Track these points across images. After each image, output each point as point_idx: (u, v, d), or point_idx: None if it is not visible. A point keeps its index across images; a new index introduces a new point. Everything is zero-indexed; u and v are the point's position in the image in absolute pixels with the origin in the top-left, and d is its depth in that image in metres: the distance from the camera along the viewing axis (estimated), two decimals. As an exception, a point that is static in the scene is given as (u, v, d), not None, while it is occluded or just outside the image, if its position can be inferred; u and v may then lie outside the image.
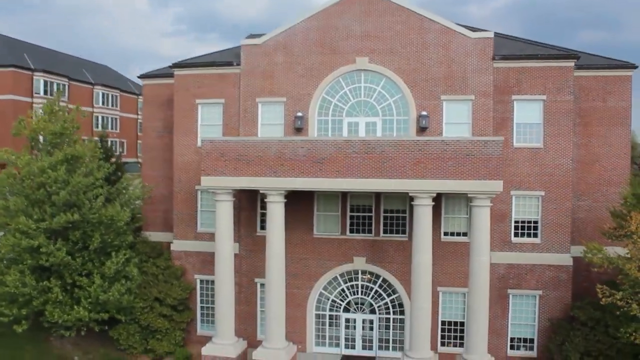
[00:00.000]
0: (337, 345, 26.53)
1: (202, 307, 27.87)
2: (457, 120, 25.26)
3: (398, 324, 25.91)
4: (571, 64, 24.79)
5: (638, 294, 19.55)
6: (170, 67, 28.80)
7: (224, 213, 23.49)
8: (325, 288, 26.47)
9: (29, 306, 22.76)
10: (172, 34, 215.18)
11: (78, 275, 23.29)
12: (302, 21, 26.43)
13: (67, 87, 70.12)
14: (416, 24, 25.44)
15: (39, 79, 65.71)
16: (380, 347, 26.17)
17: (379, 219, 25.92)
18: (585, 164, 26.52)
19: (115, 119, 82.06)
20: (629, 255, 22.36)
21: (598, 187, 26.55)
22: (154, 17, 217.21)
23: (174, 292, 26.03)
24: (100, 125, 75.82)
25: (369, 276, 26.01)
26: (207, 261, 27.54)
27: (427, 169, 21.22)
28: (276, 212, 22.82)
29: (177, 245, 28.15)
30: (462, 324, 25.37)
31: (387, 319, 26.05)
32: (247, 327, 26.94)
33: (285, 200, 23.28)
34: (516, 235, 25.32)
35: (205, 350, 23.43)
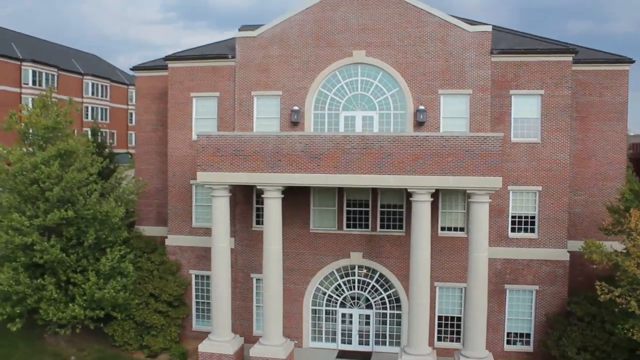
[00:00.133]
0: (334, 340, 26.46)
1: (197, 303, 27.68)
2: (454, 114, 25.09)
3: (395, 319, 25.86)
4: (569, 58, 24.67)
5: (636, 291, 19.57)
6: (163, 59, 28.38)
7: (221, 209, 23.22)
8: (321, 283, 26.35)
9: (23, 304, 22.39)
10: (161, 22, 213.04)
11: (72, 272, 22.94)
12: (298, 13, 26.06)
13: (56, 77, 69.25)
14: (414, 16, 25.16)
15: (28, 69, 64.77)
16: (376, 342, 26.14)
17: (375, 214, 25.78)
18: (582, 159, 26.51)
19: (105, 109, 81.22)
20: (625, 251, 22.47)
21: (594, 181, 26.57)
22: (140, 3, 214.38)
23: (169, 288, 25.80)
24: (90, 116, 74.99)
25: (365, 271, 25.91)
26: (203, 256, 27.33)
27: (426, 165, 21.06)
28: (273, 208, 22.59)
29: (172, 240, 27.89)
30: (458, 318, 25.39)
31: (384, 314, 26.01)
32: (243, 323, 26.81)
33: (282, 195, 23.05)
34: (513, 230, 25.31)
35: (202, 347, 23.23)
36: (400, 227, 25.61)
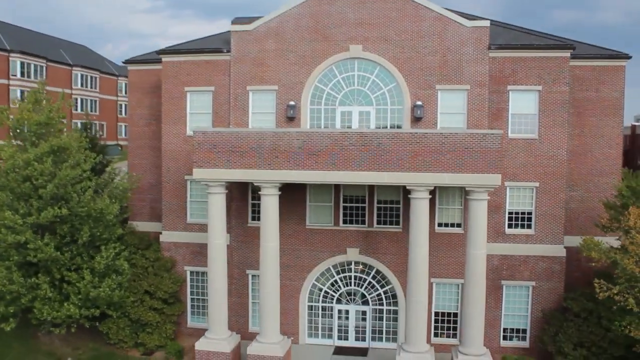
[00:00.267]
0: (330, 336, 26.39)
1: (192, 299, 27.49)
2: (452, 110, 24.96)
3: (392, 315, 25.83)
4: (567, 54, 24.57)
5: (634, 288, 19.62)
6: (157, 53, 27.96)
7: (217, 206, 22.98)
8: (317, 279, 26.24)
9: (17, 304, 22.03)
10: (149, 11, 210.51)
11: (67, 270, 22.60)
12: (294, 7, 25.73)
13: (44, 68, 68.22)
14: (411, 11, 24.92)
15: (16, 60, 63.65)
16: (373, 338, 26.11)
17: (372, 209, 25.65)
18: (578, 155, 26.50)
19: (95, 101, 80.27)
20: (621, 247, 22.52)
21: (590, 177, 26.59)
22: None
23: (164, 285, 25.56)
24: (79, 108, 74.08)
25: (361, 267, 25.82)
26: (198, 252, 27.11)
27: (424, 162, 20.92)
28: (270, 205, 22.37)
29: (167, 237, 27.61)
30: (455, 314, 25.42)
31: (381, 310, 25.95)
32: (239, 319, 26.66)
33: (280, 192, 22.84)
34: (510, 226, 25.29)
35: (199, 345, 23.04)
36: (397, 223, 25.50)
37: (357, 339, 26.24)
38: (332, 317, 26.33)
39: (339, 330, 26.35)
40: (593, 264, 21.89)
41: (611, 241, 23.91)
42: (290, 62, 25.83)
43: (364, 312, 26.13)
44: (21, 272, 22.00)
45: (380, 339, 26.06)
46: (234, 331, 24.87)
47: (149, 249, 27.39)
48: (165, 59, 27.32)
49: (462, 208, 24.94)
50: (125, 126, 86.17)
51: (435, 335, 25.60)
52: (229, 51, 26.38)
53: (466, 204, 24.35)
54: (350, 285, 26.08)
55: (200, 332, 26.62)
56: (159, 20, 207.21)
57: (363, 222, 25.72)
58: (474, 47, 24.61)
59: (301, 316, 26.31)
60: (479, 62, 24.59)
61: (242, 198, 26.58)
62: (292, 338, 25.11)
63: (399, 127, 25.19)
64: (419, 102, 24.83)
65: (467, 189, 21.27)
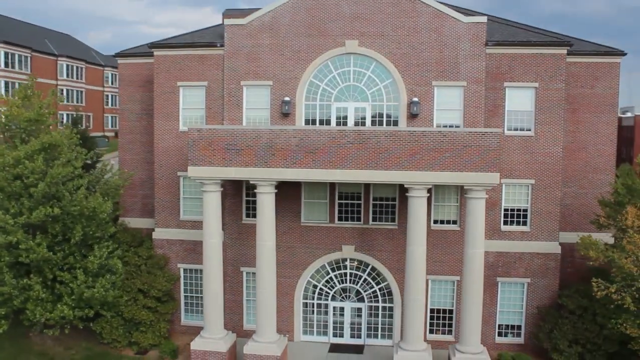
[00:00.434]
0: (325, 333, 26.30)
1: (186, 297, 27.23)
2: (448, 106, 24.79)
3: (387, 312, 25.77)
4: (564, 51, 24.50)
5: (632, 287, 19.71)
6: (149, 46, 27.42)
7: (212, 204, 22.67)
8: (312, 276, 26.08)
9: (8, 305, 21.55)
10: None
11: (59, 270, 22.15)
12: (289, 0, 25.32)
13: (29, 59, 66.95)
14: (408, 6, 24.64)
15: (0, 51, 62.43)
16: (368, 335, 26.05)
17: (368, 206, 25.49)
18: (572, 151, 26.52)
19: (81, 91, 79.12)
20: (615, 243, 22.67)
21: (585, 173, 26.65)
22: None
23: (158, 283, 25.25)
24: (66, 100, 72.93)
25: (356, 263, 25.70)
26: (191, 250, 26.82)
27: (423, 160, 20.78)
28: (267, 203, 22.12)
29: (160, 234, 27.27)
30: (450, 311, 25.43)
31: (376, 307, 25.88)
32: (233, 317, 26.45)
33: (276, 190, 22.58)
34: (505, 223, 25.30)
35: (195, 344, 22.81)
36: (393, 220, 25.39)
37: (352, 336, 26.17)
38: (327, 314, 26.21)
39: (334, 328, 26.25)
40: (591, 263, 21.94)
41: (605, 238, 24.07)
42: (285, 57, 25.47)
43: (359, 309, 26.05)
44: (12, 273, 21.50)
45: (376, 336, 26.00)
46: (228, 329, 24.69)
47: (142, 246, 27.04)
48: (157, 52, 26.82)
49: (458, 205, 24.89)
50: (112, 117, 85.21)
51: (431, 332, 25.59)
52: (222, 45, 25.95)
53: (462, 200, 24.38)
54: (346, 282, 25.96)
55: (193, 330, 26.45)
56: (142, 7, 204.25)
57: (359, 219, 25.57)
58: (471, 43, 24.42)
59: (296, 313, 26.16)
60: (476, 59, 24.42)
61: (236, 194, 26.28)
62: (287, 336, 24.98)
63: (395, 123, 25.00)
64: (415, 99, 24.63)
65: (465, 187, 21.18)
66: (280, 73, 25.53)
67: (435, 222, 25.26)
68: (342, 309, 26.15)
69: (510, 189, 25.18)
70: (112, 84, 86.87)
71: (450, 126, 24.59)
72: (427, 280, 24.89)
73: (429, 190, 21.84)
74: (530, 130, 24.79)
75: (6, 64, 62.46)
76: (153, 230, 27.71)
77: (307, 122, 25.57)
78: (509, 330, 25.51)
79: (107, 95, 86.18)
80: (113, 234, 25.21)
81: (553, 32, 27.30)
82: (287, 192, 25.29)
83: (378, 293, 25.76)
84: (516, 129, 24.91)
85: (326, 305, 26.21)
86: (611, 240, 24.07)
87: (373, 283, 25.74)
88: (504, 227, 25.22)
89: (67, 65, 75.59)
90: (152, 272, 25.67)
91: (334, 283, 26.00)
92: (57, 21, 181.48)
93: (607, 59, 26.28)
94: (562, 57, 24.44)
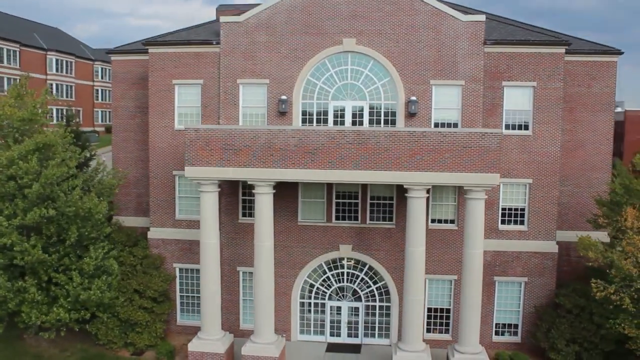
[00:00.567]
0: (322, 333, 26.21)
1: (182, 297, 27.01)
2: (446, 106, 24.69)
3: (384, 312, 25.71)
4: (562, 50, 24.45)
5: (630, 288, 19.77)
6: (143, 44, 27.05)
7: (209, 204, 22.43)
8: (309, 276, 25.95)
9: (3, 308, 21.20)
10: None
11: (54, 272, 21.83)
12: (285, -2, 25.06)
13: (18, 53, 65.99)
14: (406, 4, 24.44)
15: (-13, 45, 61.56)
16: (366, 335, 26.00)
17: (365, 206, 25.36)
18: (570, 150, 26.54)
19: (71, 86, 78.19)
20: (610, 243, 22.75)
21: (581, 172, 26.68)
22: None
23: (154, 283, 25.00)
24: (55, 94, 72.05)
25: (353, 262, 25.59)
26: (187, 249, 26.60)
27: (423, 161, 20.66)
28: (265, 204, 21.91)
29: (155, 233, 26.99)
30: (447, 310, 25.44)
31: (373, 307, 25.81)
32: (230, 317, 26.29)
33: (274, 191, 22.39)
34: (503, 222, 25.30)
35: (192, 346, 22.61)
36: (390, 219, 25.29)
37: (349, 335, 26.10)
38: (324, 314, 26.12)
39: (331, 327, 26.17)
40: (590, 264, 21.98)
41: (601, 236, 24.16)
42: (281, 55, 25.22)
43: (356, 309, 25.97)
44: (7, 275, 21.15)
45: (373, 335, 25.95)
46: (224, 329, 24.52)
47: (137, 246, 26.75)
48: (152, 50, 26.45)
49: (456, 204, 24.84)
50: (102, 112, 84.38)
51: (428, 331, 25.59)
52: (218, 43, 25.64)
53: (460, 200, 24.34)
54: (343, 282, 25.86)
55: (189, 330, 26.28)
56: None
57: (356, 219, 25.45)
58: (469, 42, 24.30)
59: (293, 313, 26.04)
60: (474, 57, 24.31)
61: (232, 193, 26.05)
62: (284, 335, 24.86)
63: (392, 122, 24.86)
64: (414, 98, 24.50)
65: (464, 188, 21.11)
66: (276, 71, 25.28)
67: (433, 221, 25.19)
68: (339, 308, 26.07)
69: (507, 188, 25.16)
70: (102, 78, 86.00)
71: (448, 125, 24.53)
72: (424, 280, 24.87)
73: (428, 191, 21.73)
74: (528, 129, 24.76)
75: (-6, 58, 61.72)
76: (148, 229, 27.43)
77: (304, 121, 25.38)
78: (506, 329, 25.57)
79: (97, 90, 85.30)
80: (108, 234, 24.91)
81: (551, 31, 27.25)
82: (284, 192, 25.10)
83: (375, 292, 25.69)
84: (514, 128, 24.87)
85: (323, 305, 26.11)
86: (607, 239, 24.20)
87: (370, 282, 25.66)
88: (501, 226, 25.21)
89: (57, 60, 74.65)
90: (148, 272, 25.42)
91: (331, 282, 25.90)
92: (44, 13, 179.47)
93: (604, 58, 26.29)
94: (560, 56, 24.39)
